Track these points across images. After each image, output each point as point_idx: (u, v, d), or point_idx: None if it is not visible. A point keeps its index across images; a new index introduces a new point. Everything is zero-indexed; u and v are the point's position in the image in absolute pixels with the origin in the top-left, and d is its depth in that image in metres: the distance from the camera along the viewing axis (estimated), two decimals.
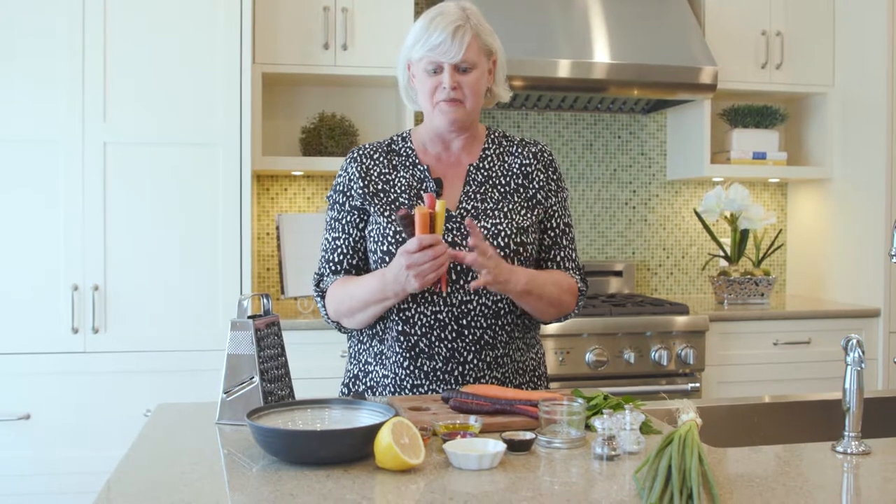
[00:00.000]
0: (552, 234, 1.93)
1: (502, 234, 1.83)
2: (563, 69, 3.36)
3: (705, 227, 3.81)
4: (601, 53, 3.42)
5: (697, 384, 3.27)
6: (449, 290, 1.80)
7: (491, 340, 1.84)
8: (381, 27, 3.38)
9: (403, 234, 1.77)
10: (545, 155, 1.96)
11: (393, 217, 1.83)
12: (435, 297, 1.81)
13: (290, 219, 3.38)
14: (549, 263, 1.94)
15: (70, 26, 2.96)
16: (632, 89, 3.50)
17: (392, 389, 1.86)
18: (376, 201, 1.87)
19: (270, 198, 3.70)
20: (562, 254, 1.94)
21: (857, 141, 3.73)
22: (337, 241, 1.90)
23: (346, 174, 1.92)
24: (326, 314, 1.90)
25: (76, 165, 2.97)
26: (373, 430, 1.32)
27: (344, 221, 1.90)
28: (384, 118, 3.72)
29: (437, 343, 1.82)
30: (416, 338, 1.82)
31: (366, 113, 3.70)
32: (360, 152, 1.94)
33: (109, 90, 2.99)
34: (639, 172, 4.05)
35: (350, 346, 1.98)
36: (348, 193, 1.90)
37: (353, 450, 1.34)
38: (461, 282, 1.81)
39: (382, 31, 3.37)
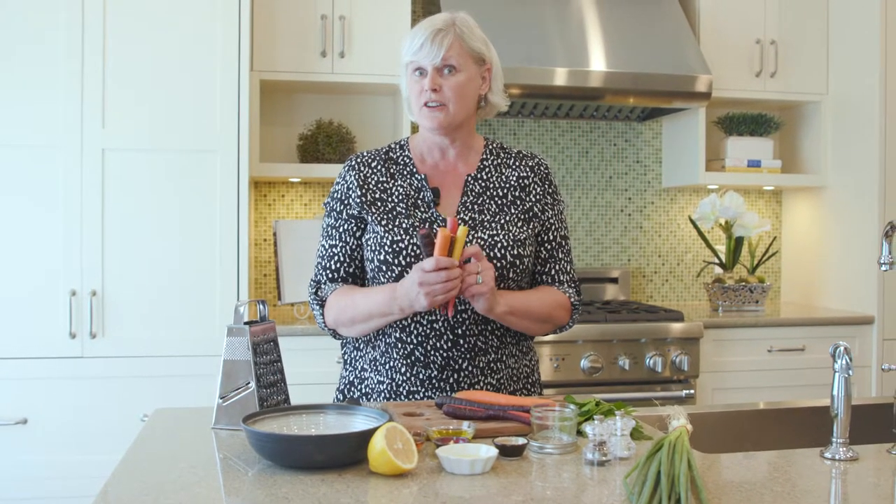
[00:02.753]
0: (548, 246, 1.95)
1: (499, 245, 1.84)
2: (560, 77, 3.38)
3: (700, 234, 3.83)
4: (597, 62, 3.44)
5: (692, 391, 3.29)
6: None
7: (483, 346, 1.85)
8: (379, 35, 3.40)
9: (421, 252, 1.78)
10: (542, 168, 1.98)
11: (414, 232, 1.83)
12: None
13: (287, 225, 3.39)
14: (544, 277, 1.95)
15: (69, 33, 2.98)
16: (627, 97, 3.52)
17: (388, 396, 1.87)
18: (374, 210, 1.88)
19: (268, 204, 3.71)
20: (557, 266, 1.95)
21: (850, 149, 3.75)
22: (334, 249, 1.91)
23: (343, 182, 1.93)
24: (324, 322, 1.91)
25: (75, 171, 2.99)
26: (367, 435, 1.34)
27: (341, 230, 1.91)
28: (381, 125, 3.74)
29: (432, 352, 1.84)
30: (412, 346, 1.84)
31: (363, 120, 3.72)
32: (358, 160, 1.95)
33: (108, 97, 3.01)
34: (634, 180, 4.07)
35: (345, 353, 2.00)
36: (346, 202, 1.91)
37: (347, 454, 1.36)
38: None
39: (379, 39, 3.40)
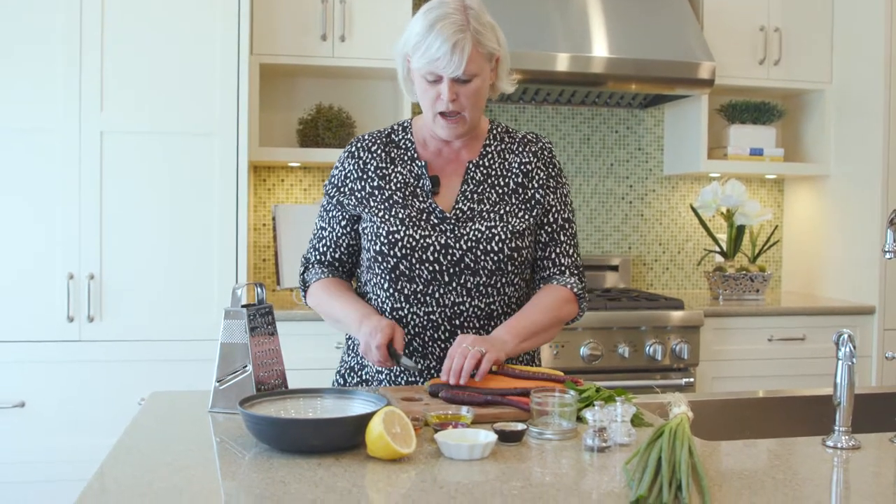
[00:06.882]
0: (549, 229, 1.89)
1: (496, 238, 1.81)
2: (562, 63, 3.36)
3: (701, 222, 3.81)
4: (599, 48, 3.42)
5: (691, 379, 3.28)
6: (441, 291, 1.80)
7: None
8: (379, 19, 3.37)
9: (416, 243, 1.80)
10: (545, 153, 1.92)
11: (410, 223, 1.82)
12: (428, 298, 1.80)
13: (286, 210, 3.38)
14: (545, 262, 1.90)
15: (68, 16, 2.95)
16: (629, 84, 3.50)
17: (387, 384, 1.86)
18: (371, 202, 1.85)
19: (267, 189, 3.70)
20: (557, 250, 1.89)
21: (853, 138, 3.73)
22: (323, 233, 1.94)
23: (342, 168, 1.91)
24: (305, 301, 1.98)
25: (73, 154, 2.97)
26: (364, 419, 1.33)
27: (331, 215, 1.93)
28: (381, 110, 3.72)
29: (430, 343, 1.82)
30: (409, 337, 1.82)
31: (363, 105, 3.70)
32: (359, 145, 1.91)
33: (107, 80, 2.99)
34: (636, 167, 4.05)
35: (348, 338, 1.98)
36: (341, 189, 1.91)
37: (344, 438, 1.35)
38: (454, 283, 1.80)
39: (380, 23, 3.37)
